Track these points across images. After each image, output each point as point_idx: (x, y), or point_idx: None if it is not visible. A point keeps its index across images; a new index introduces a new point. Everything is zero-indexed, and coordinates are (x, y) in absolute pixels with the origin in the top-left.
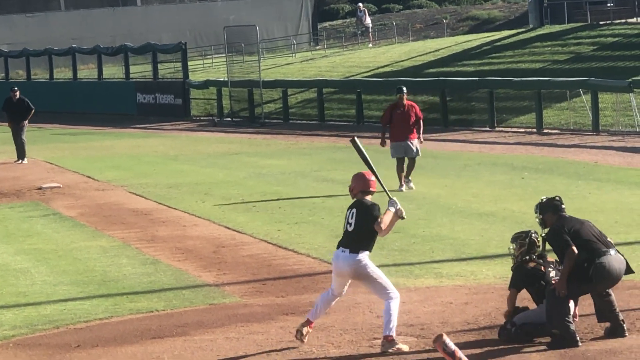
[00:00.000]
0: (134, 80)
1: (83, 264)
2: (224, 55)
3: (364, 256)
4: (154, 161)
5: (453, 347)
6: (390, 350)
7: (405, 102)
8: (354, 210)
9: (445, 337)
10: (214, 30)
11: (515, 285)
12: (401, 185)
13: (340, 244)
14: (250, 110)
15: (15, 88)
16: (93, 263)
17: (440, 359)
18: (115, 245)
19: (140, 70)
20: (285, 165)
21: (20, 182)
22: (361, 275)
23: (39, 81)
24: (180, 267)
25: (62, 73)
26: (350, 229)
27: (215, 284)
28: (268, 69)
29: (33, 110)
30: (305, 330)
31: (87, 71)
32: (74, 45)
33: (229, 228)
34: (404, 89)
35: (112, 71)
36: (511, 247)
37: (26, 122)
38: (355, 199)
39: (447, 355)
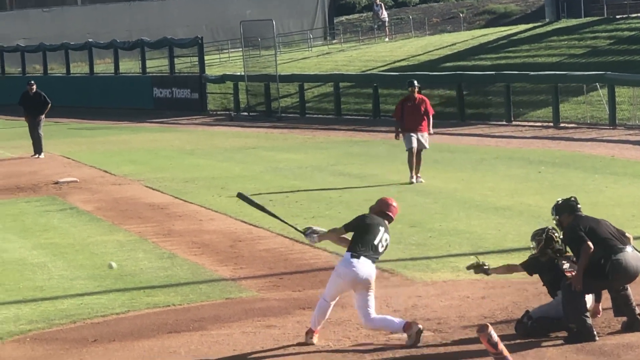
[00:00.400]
0: (150, 74)
1: (100, 259)
2: (240, 49)
3: None
4: (171, 155)
5: (496, 338)
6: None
7: (416, 95)
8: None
9: (490, 328)
10: (230, 24)
11: (525, 266)
12: (411, 177)
13: (362, 254)
14: (266, 105)
15: (32, 82)
16: (110, 257)
17: (458, 352)
18: (131, 240)
19: (157, 64)
20: (302, 160)
21: (37, 177)
22: (370, 284)
23: (56, 76)
24: (197, 262)
25: (79, 68)
26: (381, 247)
27: (232, 278)
28: (284, 63)
29: (49, 105)
30: (312, 338)
31: (103, 66)
32: (90, 40)
33: (245, 222)
34: (415, 82)
35: (129, 66)
36: (531, 245)
37: (43, 116)
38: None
39: (490, 346)
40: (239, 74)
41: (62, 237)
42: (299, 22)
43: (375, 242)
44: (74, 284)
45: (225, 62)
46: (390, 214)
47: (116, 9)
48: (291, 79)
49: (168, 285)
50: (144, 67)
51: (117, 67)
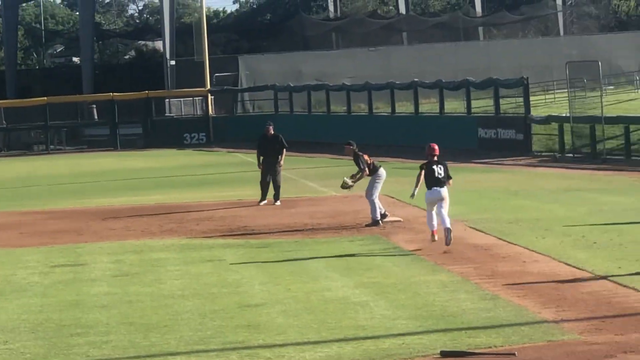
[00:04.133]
0: (475, 115)
1: (422, 299)
2: (566, 90)
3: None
4: (495, 196)
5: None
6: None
7: None
8: (441, 165)
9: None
10: (556, 65)
11: None
12: None
13: (435, 185)
14: (591, 146)
15: (270, 122)
16: (432, 297)
17: None
18: (454, 280)
19: (482, 105)
20: (626, 202)
21: (360, 216)
22: (445, 199)
23: (381, 115)
24: (520, 303)
25: (404, 107)
26: (441, 176)
27: (555, 320)
28: (610, 104)
29: (285, 149)
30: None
31: (428, 105)
32: (416, 80)
33: (568, 264)
34: None
35: (454, 106)
36: None
37: (281, 160)
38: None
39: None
40: (564, 115)
41: (384, 276)
42: (625, 63)
43: (435, 177)
44: (395, 324)
45: (550, 102)
46: (431, 155)
47: (442, 49)
48: (617, 120)
49: (490, 326)
50: (469, 107)
51: (442, 106)
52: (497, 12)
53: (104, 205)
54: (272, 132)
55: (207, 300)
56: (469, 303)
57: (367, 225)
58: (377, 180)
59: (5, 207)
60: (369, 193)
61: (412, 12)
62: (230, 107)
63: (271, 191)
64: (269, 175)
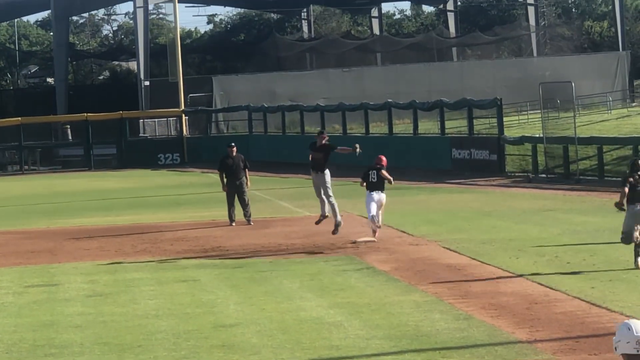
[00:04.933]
0: (449, 135)
1: (396, 318)
2: (539, 111)
3: None
4: (469, 216)
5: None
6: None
7: None
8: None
9: None
10: (529, 86)
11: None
12: None
13: (373, 189)
14: (565, 167)
15: (233, 144)
16: (406, 317)
17: None
18: (428, 300)
19: (456, 125)
20: (599, 222)
21: (335, 236)
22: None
23: (355, 135)
24: (494, 323)
25: (378, 127)
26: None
27: (528, 340)
28: (583, 125)
29: (248, 169)
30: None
31: (402, 126)
32: (389, 100)
33: (542, 284)
34: None
35: (428, 126)
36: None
37: (248, 181)
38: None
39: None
40: (537, 135)
41: (358, 296)
42: (598, 84)
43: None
44: (369, 344)
45: (524, 123)
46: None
47: (416, 70)
48: (590, 141)
49: (464, 346)
50: (442, 127)
51: (415, 127)
52: (471, 33)
53: (77, 225)
54: (235, 153)
55: (182, 320)
56: (442, 323)
57: (335, 231)
58: (329, 179)
59: None
60: (328, 193)
61: (386, 33)
62: (205, 128)
63: (240, 211)
64: (236, 195)
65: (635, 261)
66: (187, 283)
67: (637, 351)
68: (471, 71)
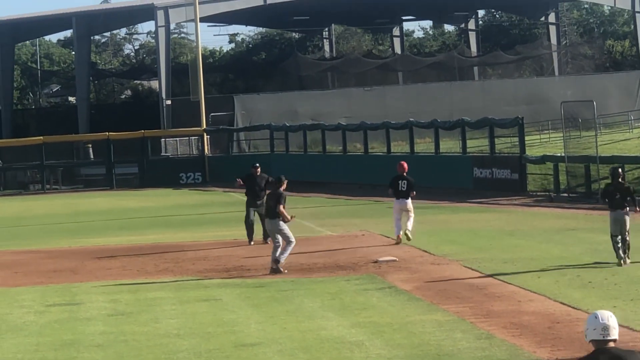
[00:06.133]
0: (470, 154)
1: (418, 338)
2: (560, 130)
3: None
4: (490, 236)
5: None
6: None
7: None
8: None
9: None
10: (551, 105)
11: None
12: None
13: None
14: (586, 186)
15: (257, 164)
16: (428, 337)
17: None
18: (450, 320)
19: (477, 144)
20: None
21: (356, 255)
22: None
23: (376, 155)
24: (515, 343)
25: (399, 147)
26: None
27: (550, 359)
28: (605, 144)
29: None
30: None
31: (424, 145)
32: (411, 119)
33: (564, 304)
34: None
35: (449, 145)
36: None
37: (260, 201)
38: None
39: None
40: (559, 154)
41: (380, 315)
42: (620, 103)
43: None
44: None
45: (545, 142)
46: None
47: (438, 89)
48: (612, 160)
49: None
50: (464, 146)
51: (437, 146)
52: (492, 52)
53: (99, 244)
54: (259, 173)
55: (203, 339)
56: (464, 342)
57: (273, 272)
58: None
59: (0, 246)
60: (289, 237)
61: (408, 52)
62: (226, 147)
63: (260, 230)
64: (255, 213)
65: (621, 256)
66: (208, 302)
67: (603, 337)
68: (492, 90)
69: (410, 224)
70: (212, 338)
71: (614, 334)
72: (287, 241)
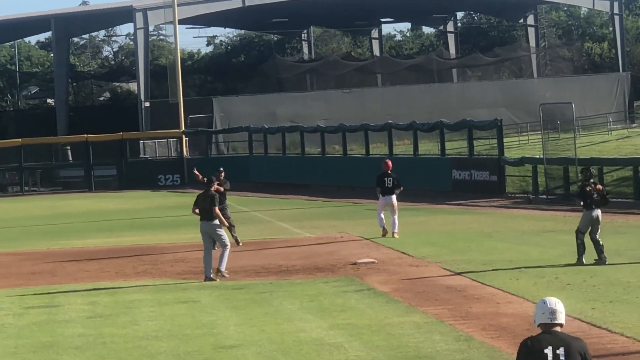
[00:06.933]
0: (449, 156)
1: (396, 340)
2: (539, 132)
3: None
4: (469, 238)
5: None
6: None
7: None
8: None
9: None
10: (530, 107)
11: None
12: None
13: (387, 193)
14: (565, 188)
15: (221, 169)
16: (406, 339)
17: None
18: (428, 322)
19: (456, 146)
20: None
21: (335, 257)
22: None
23: (355, 157)
24: (494, 345)
25: (378, 149)
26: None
27: None
28: (583, 146)
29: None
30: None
31: (402, 147)
32: (390, 121)
33: None
34: None
35: (428, 147)
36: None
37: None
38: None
39: None
40: (537, 156)
41: (358, 317)
42: (598, 105)
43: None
44: None
45: (524, 144)
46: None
47: (416, 91)
48: (590, 162)
49: None
50: (443, 148)
51: (416, 148)
52: (471, 54)
53: (78, 246)
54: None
55: (182, 341)
56: (443, 344)
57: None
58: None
59: None
60: (225, 240)
61: (386, 54)
62: (205, 149)
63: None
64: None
65: (599, 256)
66: (187, 304)
67: (550, 320)
68: (471, 92)
69: (396, 225)
70: (190, 340)
71: (561, 318)
72: (223, 245)
